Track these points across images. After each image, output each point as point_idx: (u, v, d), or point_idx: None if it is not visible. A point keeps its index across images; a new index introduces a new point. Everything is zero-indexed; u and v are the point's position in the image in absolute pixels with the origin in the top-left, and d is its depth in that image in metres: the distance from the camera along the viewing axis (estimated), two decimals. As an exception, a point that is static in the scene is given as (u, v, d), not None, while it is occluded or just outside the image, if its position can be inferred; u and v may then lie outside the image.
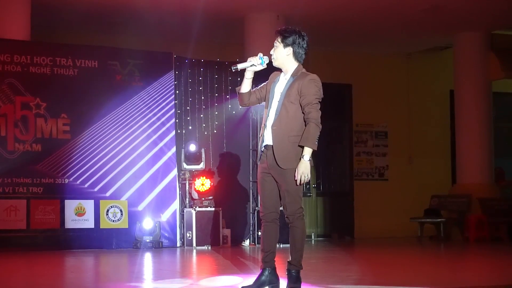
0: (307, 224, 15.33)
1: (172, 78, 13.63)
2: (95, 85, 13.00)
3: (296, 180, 6.13)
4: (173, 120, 13.67)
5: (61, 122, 12.76)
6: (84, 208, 12.68)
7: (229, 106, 14.31)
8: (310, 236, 16.32)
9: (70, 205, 12.60)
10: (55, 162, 12.64)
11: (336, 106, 16.93)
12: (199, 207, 13.12)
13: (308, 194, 16.65)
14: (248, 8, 14.36)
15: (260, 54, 6.35)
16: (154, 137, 13.45)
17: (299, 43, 6.32)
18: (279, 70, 6.45)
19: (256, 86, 6.58)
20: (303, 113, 6.23)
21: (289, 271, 6.26)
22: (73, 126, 12.83)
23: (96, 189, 12.83)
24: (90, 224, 12.71)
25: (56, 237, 12.54)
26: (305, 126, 6.24)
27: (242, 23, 14.95)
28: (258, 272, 6.36)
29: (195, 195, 13.32)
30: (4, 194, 12.23)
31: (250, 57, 6.41)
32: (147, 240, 12.63)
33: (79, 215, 12.64)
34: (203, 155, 13.37)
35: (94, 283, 8.29)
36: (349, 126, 17.39)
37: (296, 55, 6.32)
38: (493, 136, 16.24)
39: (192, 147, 13.26)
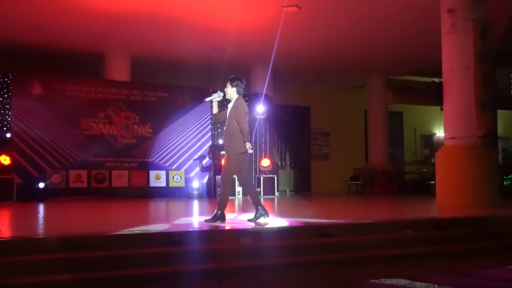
0: (286, 185, 16.32)
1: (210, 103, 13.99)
2: (166, 106, 13.20)
3: (230, 160, 6.29)
4: (210, 125, 13.71)
5: (147, 127, 13.10)
6: (160, 175, 13.08)
7: None
8: (285, 191, 16.34)
9: (152, 173, 13.03)
10: (143, 149, 13.04)
11: (301, 118, 17.18)
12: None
13: (285, 168, 16.82)
14: (252, 62, 14.26)
15: (219, 91, 6.64)
16: (199, 135, 13.56)
17: (239, 85, 6.49)
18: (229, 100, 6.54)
19: (222, 109, 6.70)
20: (237, 123, 6.28)
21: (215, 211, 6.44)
22: (154, 129, 13.13)
23: (167, 164, 13.16)
24: (163, 184, 13.10)
25: (144, 191, 12.73)
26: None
27: (248, 73, 14.67)
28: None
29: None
30: (116, 167, 12.63)
31: (214, 93, 6.60)
32: (195, 193, 12.91)
33: (157, 179, 13.05)
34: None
35: (167, 215, 8.62)
36: (308, 129, 17.40)
37: (238, 91, 6.50)
38: (388, 134, 16.35)
39: (220, 141, 13.05)
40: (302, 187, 17.02)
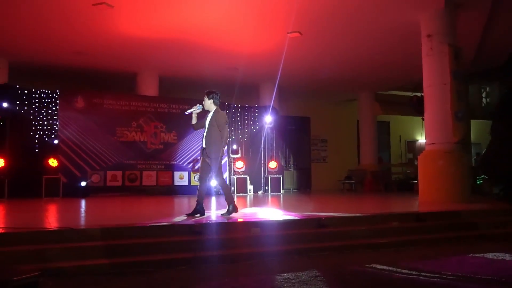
0: (290, 184, 16.34)
1: (226, 114, 13.93)
2: (188, 117, 13.32)
3: (216, 162, 6.20)
4: None
5: (173, 134, 13.06)
6: (183, 175, 13.04)
7: (252, 128, 14.22)
8: (289, 189, 16.17)
9: (177, 174, 12.97)
10: (169, 154, 12.97)
11: (303, 127, 17.05)
12: (238, 175, 13.35)
13: (289, 169, 16.71)
14: (261, 79, 14.32)
15: (198, 104, 6.43)
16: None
17: (215, 97, 6.35)
18: (207, 111, 6.41)
19: (200, 119, 6.53)
20: (219, 130, 6.21)
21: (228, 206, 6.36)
22: (178, 137, 13.06)
23: (189, 166, 13.06)
24: (186, 183, 13.02)
25: (170, 189, 12.70)
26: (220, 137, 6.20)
27: (258, 89, 14.90)
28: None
29: (236, 169, 13.43)
30: (146, 168, 12.56)
31: (194, 105, 6.42)
32: (214, 190, 12.56)
33: (181, 178, 13.01)
34: (240, 150, 13.59)
35: (189, 210, 9.07)
36: (309, 136, 17.27)
37: (214, 103, 6.35)
38: (377, 140, 16.25)
39: (235, 146, 13.45)
40: (304, 186, 16.95)
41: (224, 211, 6.48)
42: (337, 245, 5.57)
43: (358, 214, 6.74)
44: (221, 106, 6.64)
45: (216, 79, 13.60)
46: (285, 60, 11.49)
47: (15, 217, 6.65)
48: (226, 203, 6.47)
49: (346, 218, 6.46)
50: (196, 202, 6.43)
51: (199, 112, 6.54)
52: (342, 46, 11.24)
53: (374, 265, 4.73)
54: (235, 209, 6.43)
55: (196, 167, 12.96)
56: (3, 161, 10.42)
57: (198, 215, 6.32)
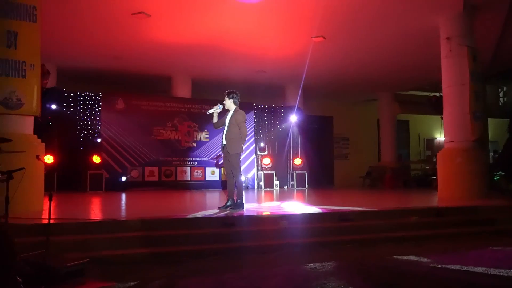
0: (314, 179, 15.94)
1: (253, 114, 13.64)
2: (219, 117, 13.38)
3: (237, 158, 6.25)
4: (253, 132, 13.58)
5: (205, 133, 13.09)
6: (214, 171, 13.02)
7: (278, 127, 14.15)
8: (314, 184, 15.32)
9: (208, 170, 12.98)
10: (202, 151, 13.02)
11: (326, 126, 16.93)
12: (265, 171, 13.38)
13: (313, 166, 15.97)
14: (286, 81, 14.12)
15: (218, 104, 6.47)
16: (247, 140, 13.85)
17: (234, 97, 6.37)
18: (227, 110, 6.45)
19: (220, 118, 6.54)
20: (239, 128, 6.24)
21: (236, 200, 6.34)
22: (210, 135, 13.09)
23: (220, 163, 12.77)
24: (217, 178, 12.99)
25: (202, 184, 12.74)
26: (240, 134, 6.24)
27: (284, 90, 14.64)
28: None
29: (263, 166, 13.47)
30: (180, 164, 12.64)
31: (214, 105, 6.45)
32: (243, 184, 13.14)
33: (212, 174, 13.00)
34: (267, 147, 13.65)
35: (221, 203, 9.16)
36: (331, 134, 17.16)
37: (234, 102, 6.38)
38: (396, 138, 15.97)
39: (262, 144, 13.49)
40: (327, 181, 16.75)
41: (227, 203, 6.43)
42: (359, 238, 5.54)
43: (379, 209, 6.66)
44: (241, 105, 6.63)
45: (245, 81, 13.60)
46: (309, 63, 11.44)
47: (63, 209, 6.83)
48: (235, 197, 6.39)
49: (368, 212, 6.42)
50: (227, 196, 6.50)
51: (220, 111, 6.57)
52: (363, 49, 11.10)
53: (396, 257, 4.67)
54: (242, 206, 6.38)
55: (220, 163, 12.96)
56: (52, 157, 10.69)
57: (230, 208, 6.34)
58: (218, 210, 6.25)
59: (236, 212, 5.96)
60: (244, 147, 6.37)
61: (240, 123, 6.28)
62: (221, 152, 12.57)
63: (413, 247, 5.31)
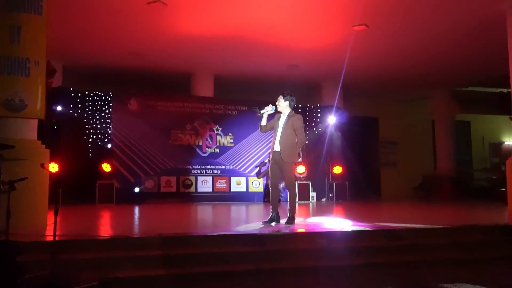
0: (357, 190, 15.80)
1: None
2: (245, 119, 12.97)
3: (290, 167, 6.46)
4: None
5: (229, 137, 13.15)
6: (240, 181, 13.06)
7: (314, 129, 14.11)
8: (356, 196, 14.95)
9: (233, 180, 13.03)
10: (226, 158, 13.07)
11: (370, 128, 16.70)
12: (299, 181, 13.08)
13: (356, 174, 15.69)
14: (323, 77, 14.13)
15: (271, 105, 6.61)
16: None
17: (291, 99, 6.57)
18: (280, 113, 6.62)
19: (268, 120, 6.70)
20: (296, 134, 6.44)
21: (288, 214, 6.55)
22: (235, 140, 13.16)
23: (246, 171, 13.10)
24: (243, 189, 13.04)
25: (226, 196, 12.78)
26: (296, 140, 6.44)
27: (320, 87, 14.80)
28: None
29: (297, 175, 13.06)
30: (201, 173, 12.73)
31: (266, 106, 6.59)
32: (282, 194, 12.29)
33: (238, 184, 13.03)
34: (301, 153, 12.91)
35: (249, 218, 8.80)
36: (377, 138, 16.91)
37: (290, 105, 6.57)
38: (455, 142, 15.84)
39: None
40: (372, 193, 16.60)
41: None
42: (413, 259, 5.45)
43: (436, 226, 6.59)
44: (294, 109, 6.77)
45: (275, 77, 13.65)
46: (350, 56, 11.35)
47: (70, 224, 6.96)
48: (288, 211, 6.60)
49: (423, 229, 6.33)
50: (271, 210, 6.63)
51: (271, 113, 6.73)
52: (413, 39, 10.94)
53: (458, 285, 4.55)
54: (293, 220, 6.56)
55: (262, 172, 13.06)
56: (58, 166, 10.90)
57: (274, 223, 6.50)
58: (263, 225, 6.44)
59: (270, 228, 6.08)
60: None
61: (298, 129, 6.47)
62: (265, 160, 12.95)
63: (478, 271, 5.19)
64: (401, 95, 16.75)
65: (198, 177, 12.84)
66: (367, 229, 6.24)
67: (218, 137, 13.26)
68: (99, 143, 12.25)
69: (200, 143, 13.04)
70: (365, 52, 11.71)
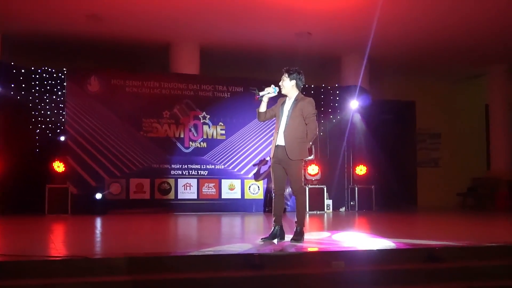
0: (386, 197, 15.91)
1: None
2: (240, 103, 13.09)
3: (298, 167, 6.44)
4: None
5: (219, 128, 13.21)
6: (234, 185, 13.11)
7: (331, 117, 14.24)
8: (385, 204, 15.22)
9: (225, 183, 13.06)
10: (215, 154, 13.09)
11: (404, 116, 17.02)
12: (311, 184, 13.12)
13: (385, 177, 15.70)
14: (343, 49, 14.29)
15: (273, 86, 6.50)
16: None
17: (299, 78, 6.48)
18: (285, 96, 6.55)
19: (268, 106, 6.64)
20: (306, 123, 6.37)
21: (296, 227, 6.54)
22: (227, 130, 13.23)
23: (242, 172, 13.15)
24: (238, 195, 13.09)
25: (216, 204, 12.79)
26: (307, 131, 6.37)
27: (339, 62, 14.97)
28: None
29: (308, 177, 13.21)
30: (182, 175, 12.76)
31: (266, 87, 6.51)
32: (287, 207, 12.55)
33: (230, 189, 13.08)
34: (313, 149, 13.25)
35: (244, 233, 8.82)
36: (413, 129, 17.19)
37: (297, 85, 6.49)
38: None
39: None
40: (406, 200, 16.78)
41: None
42: (458, 287, 5.45)
43: (487, 244, 6.57)
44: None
45: (280, 49, 13.65)
46: (378, 21, 11.39)
47: (12, 241, 6.95)
48: (296, 224, 6.58)
49: (471, 248, 6.33)
50: (273, 223, 6.62)
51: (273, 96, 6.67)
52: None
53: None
54: (302, 236, 6.57)
55: (262, 173, 13.17)
56: (-6, 165, 10.93)
57: (277, 240, 6.51)
58: (262, 242, 6.41)
59: (272, 248, 6.07)
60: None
61: (309, 117, 6.40)
62: (266, 158, 12.98)
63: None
64: (445, 73, 16.80)
65: (179, 179, 12.88)
66: (398, 247, 6.23)
67: (205, 128, 13.29)
68: (50, 134, 12.28)
69: (182, 136, 13.07)
70: (399, 15, 11.76)
